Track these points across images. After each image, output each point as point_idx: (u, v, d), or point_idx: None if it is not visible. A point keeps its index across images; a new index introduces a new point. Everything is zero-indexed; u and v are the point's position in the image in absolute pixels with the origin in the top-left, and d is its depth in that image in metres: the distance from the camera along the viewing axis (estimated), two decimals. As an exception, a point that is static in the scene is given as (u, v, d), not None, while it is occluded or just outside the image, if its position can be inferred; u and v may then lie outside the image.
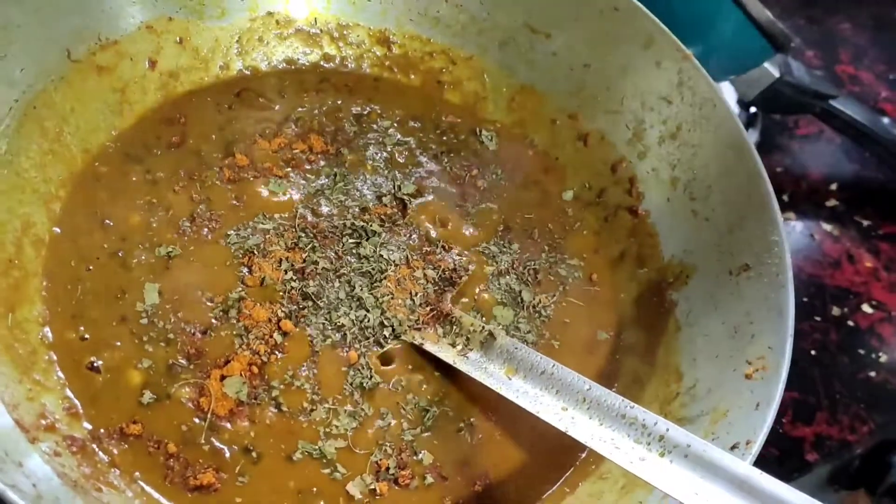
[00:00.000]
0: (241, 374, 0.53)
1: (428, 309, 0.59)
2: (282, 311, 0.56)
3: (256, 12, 0.69)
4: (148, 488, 0.48)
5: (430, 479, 0.53)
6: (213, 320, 0.55)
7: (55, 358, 0.51)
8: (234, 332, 0.54)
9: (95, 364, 0.52)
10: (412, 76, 0.73)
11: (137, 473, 0.48)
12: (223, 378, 0.53)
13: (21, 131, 0.55)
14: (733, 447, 0.48)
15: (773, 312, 0.53)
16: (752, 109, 0.94)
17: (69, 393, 0.50)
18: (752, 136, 0.92)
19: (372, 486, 0.52)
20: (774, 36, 0.77)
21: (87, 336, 0.53)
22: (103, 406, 0.50)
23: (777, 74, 0.84)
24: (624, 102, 0.67)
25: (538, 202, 0.69)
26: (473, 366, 0.55)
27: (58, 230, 0.56)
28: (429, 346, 0.56)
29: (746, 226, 0.58)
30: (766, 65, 0.84)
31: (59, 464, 0.44)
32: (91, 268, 0.55)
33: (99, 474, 0.46)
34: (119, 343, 0.53)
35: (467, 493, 0.53)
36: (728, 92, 0.91)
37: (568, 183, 0.70)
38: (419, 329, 0.58)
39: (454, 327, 0.58)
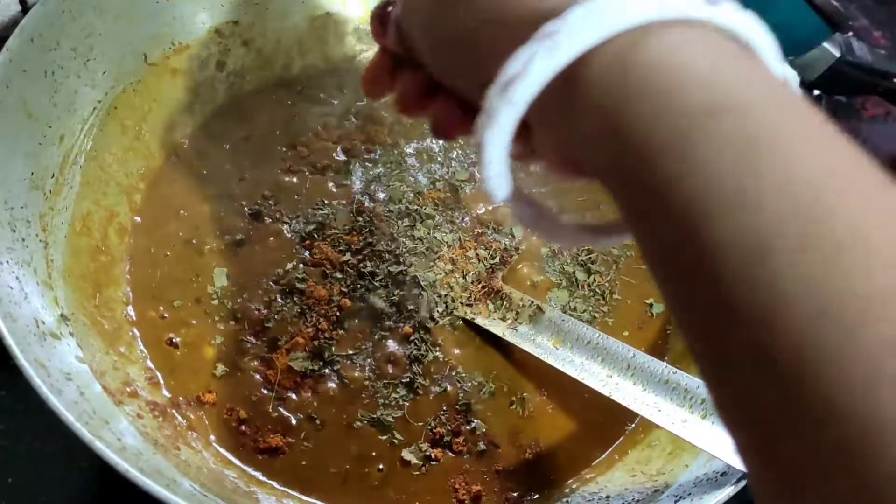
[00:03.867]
0: (304, 349, 0.57)
1: (479, 286, 0.61)
2: (341, 289, 0.59)
3: (316, 13, 0.73)
4: (222, 450, 0.52)
5: (482, 447, 0.55)
6: (278, 300, 0.59)
7: (138, 334, 0.56)
8: (297, 311, 0.58)
9: (174, 340, 0.56)
10: (466, 69, 0.76)
11: (212, 436, 0.53)
12: (288, 352, 0.57)
13: (104, 130, 0.60)
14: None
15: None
16: (816, 91, 0.93)
17: (150, 364, 0.55)
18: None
19: (427, 453, 0.55)
20: (830, 15, 0.76)
21: (165, 315, 0.57)
22: (181, 377, 0.55)
23: (837, 54, 0.83)
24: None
25: (591, 186, 0.70)
26: (522, 338, 0.57)
27: (138, 219, 0.61)
28: (480, 321, 0.59)
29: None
30: (826, 45, 0.83)
31: (142, 425, 0.48)
32: (168, 253, 0.60)
33: (178, 436, 0.51)
34: (194, 321, 0.57)
35: (518, 460, 0.56)
36: (789, 74, 0.90)
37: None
38: (471, 305, 0.60)
39: (504, 303, 0.60)
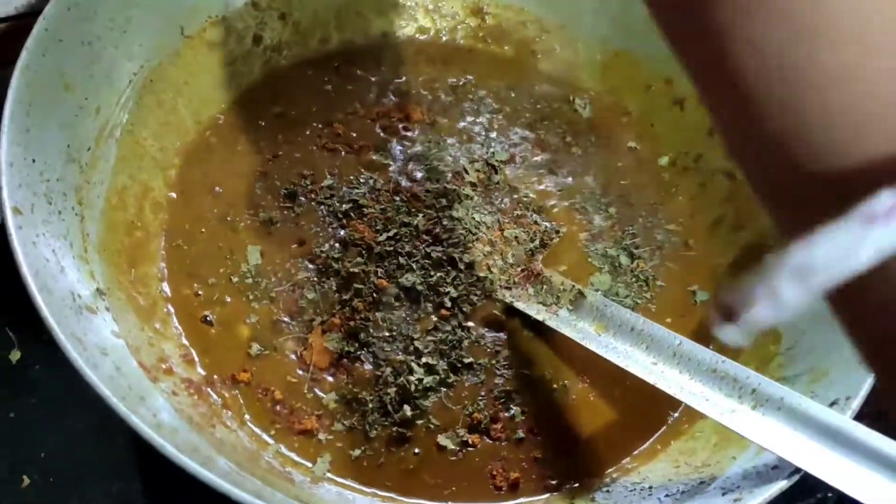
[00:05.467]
0: (340, 330, 0.56)
1: (519, 269, 0.60)
2: (378, 270, 0.58)
3: (353, -18, 0.71)
4: (257, 430, 0.51)
5: (520, 434, 0.54)
6: (313, 279, 0.58)
7: (172, 311, 0.55)
8: (333, 290, 0.57)
9: (209, 318, 0.55)
10: (505, 47, 0.74)
11: (247, 416, 0.52)
12: (324, 333, 0.55)
13: (140, 103, 0.59)
14: (832, 403, 0.47)
15: (878, 270, 0.52)
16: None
17: (185, 342, 0.54)
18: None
19: (464, 438, 0.53)
20: None
21: (200, 293, 0.56)
22: (216, 355, 0.54)
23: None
24: (721, 64, 0.66)
25: (634, 168, 0.69)
26: (563, 322, 0.56)
27: (173, 195, 0.60)
28: (519, 305, 0.57)
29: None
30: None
31: (177, 402, 0.47)
32: (203, 230, 0.59)
33: (213, 414, 0.50)
34: (229, 299, 0.56)
35: (557, 448, 0.54)
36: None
37: (663, 149, 0.69)
38: (510, 289, 0.59)
39: (544, 287, 0.58)
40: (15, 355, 0.58)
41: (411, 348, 0.56)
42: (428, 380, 0.55)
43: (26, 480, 0.54)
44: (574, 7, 0.71)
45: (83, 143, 0.54)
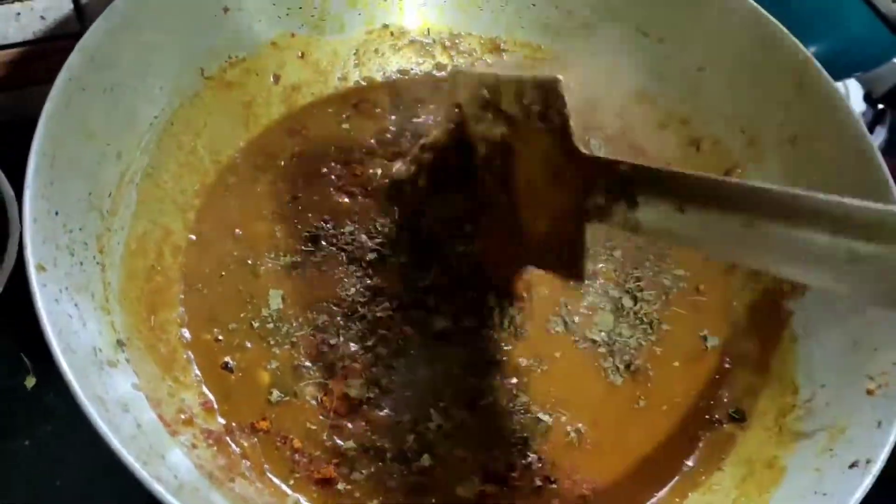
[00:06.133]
0: (362, 376, 0.56)
1: None
2: (403, 317, 0.58)
3: (373, 25, 0.71)
4: (276, 480, 0.51)
5: (537, 482, 0.54)
6: (338, 323, 0.58)
7: (192, 357, 0.55)
8: (357, 336, 0.57)
9: (229, 364, 0.56)
10: (523, 82, 0.74)
11: (266, 466, 0.52)
12: (346, 379, 0.56)
13: (160, 146, 0.59)
14: (852, 465, 0.47)
15: (898, 326, 0.52)
16: (881, 106, 0.90)
17: (205, 389, 0.54)
18: (879, 135, 0.88)
19: (481, 488, 0.53)
20: (902, 31, 0.74)
21: (220, 338, 0.56)
22: (236, 402, 0.54)
23: (906, 70, 0.80)
24: (739, 107, 0.66)
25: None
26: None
27: (193, 237, 0.60)
28: None
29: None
30: (896, 61, 0.80)
31: (197, 456, 0.48)
32: (223, 274, 0.59)
33: (232, 465, 0.50)
34: (249, 345, 0.56)
35: (574, 497, 0.54)
36: (854, 88, 0.88)
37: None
38: None
39: None
40: (30, 382, 0.59)
41: (433, 392, 0.56)
42: (446, 424, 0.55)
43: (42, 509, 0.54)
44: (592, 45, 0.71)
45: (104, 190, 0.54)
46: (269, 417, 0.54)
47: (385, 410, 0.55)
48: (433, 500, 0.53)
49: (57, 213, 0.48)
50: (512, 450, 0.55)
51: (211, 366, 0.55)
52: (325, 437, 0.54)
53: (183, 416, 0.50)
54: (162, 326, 0.55)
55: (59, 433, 0.58)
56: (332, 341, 0.57)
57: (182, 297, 0.57)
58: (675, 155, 0.70)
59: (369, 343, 0.57)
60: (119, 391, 0.46)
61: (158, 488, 0.39)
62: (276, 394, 0.55)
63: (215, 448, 0.50)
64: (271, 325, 0.57)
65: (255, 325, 0.57)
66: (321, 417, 0.54)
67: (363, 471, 0.53)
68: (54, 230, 0.48)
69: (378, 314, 0.58)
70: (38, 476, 0.56)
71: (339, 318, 0.58)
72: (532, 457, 0.55)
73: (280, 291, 0.59)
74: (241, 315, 0.58)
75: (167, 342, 0.54)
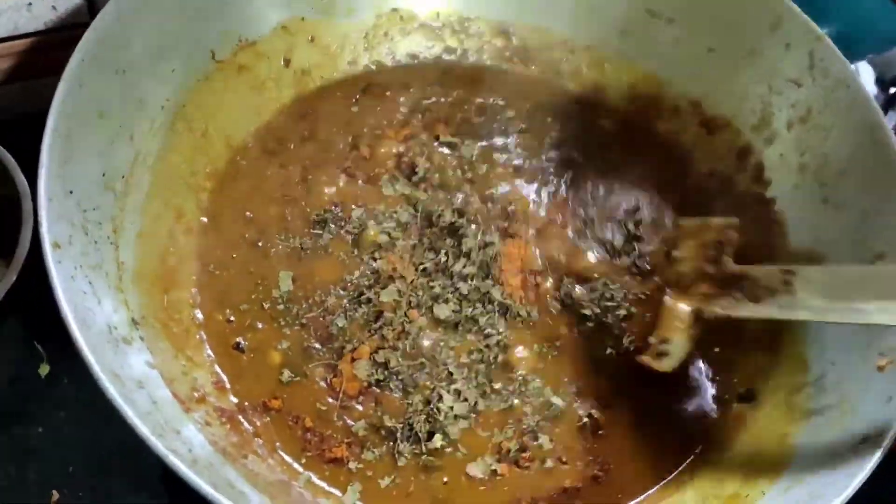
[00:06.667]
0: (369, 358, 0.56)
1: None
2: (409, 300, 0.58)
3: (382, 9, 0.71)
4: (287, 458, 0.52)
5: (549, 464, 0.54)
6: (344, 306, 0.58)
7: (205, 337, 0.56)
8: (363, 319, 0.58)
9: (241, 344, 0.56)
10: (532, 67, 0.74)
11: (278, 444, 0.52)
12: (354, 360, 0.56)
13: (172, 128, 0.60)
14: (863, 440, 0.47)
15: (910, 303, 0.51)
16: (893, 90, 0.89)
17: (217, 369, 0.54)
18: (891, 119, 0.87)
19: (493, 467, 0.54)
20: (916, 13, 0.73)
21: (232, 318, 0.57)
22: (247, 382, 0.55)
23: (919, 53, 0.79)
24: (750, 87, 0.66)
25: (661, 189, 0.69)
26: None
27: (205, 220, 0.61)
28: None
29: (883, 212, 0.56)
30: (909, 43, 0.79)
31: (210, 432, 0.48)
32: (234, 255, 0.60)
33: (244, 443, 0.51)
34: (261, 325, 0.57)
35: (585, 478, 0.54)
36: (866, 71, 0.87)
37: (691, 170, 0.69)
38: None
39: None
40: (44, 369, 0.59)
41: (443, 375, 0.56)
42: (458, 406, 0.55)
43: (55, 495, 0.55)
44: (601, 28, 0.71)
45: (118, 171, 0.54)
46: (281, 397, 0.54)
47: (395, 392, 0.55)
48: (444, 479, 0.53)
49: (71, 192, 0.49)
50: (524, 431, 0.55)
51: (223, 346, 0.56)
52: (335, 418, 0.54)
53: (196, 395, 0.51)
54: (175, 306, 0.55)
55: (72, 420, 0.58)
56: (341, 323, 0.57)
57: (194, 277, 0.58)
58: (687, 136, 0.69)
59: (375, 326, 0.57)
60: (134, 368, 0.46)
61: (174, 461, 0.39)
62: (287, 374, 0.55)
63: (228, 426, 0.51)
64: (282, 307, 0.58)
65: (266, 306, 0.58)
66: (330, 400, 0.55)
67: (374, 450, 0.53)
68: (69, 209, 0.48)
69: (383, 298, 0.58)
70: (52, 463, 0.56)
71: (346, 301, 0.58)
72: (543, 437, 0.55)
73: (290, 273, 0.59)
74: (253, 296, 0.58)
75: (180, 322, 0.55)
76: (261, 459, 0.51)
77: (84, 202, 0.50)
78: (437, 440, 0.54)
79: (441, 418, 0.54)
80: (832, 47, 0.61)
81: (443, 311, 0.58)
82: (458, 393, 0.56)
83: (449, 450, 0.54)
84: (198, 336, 0.55)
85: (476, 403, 0.56)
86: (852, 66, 0.81)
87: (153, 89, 0.58)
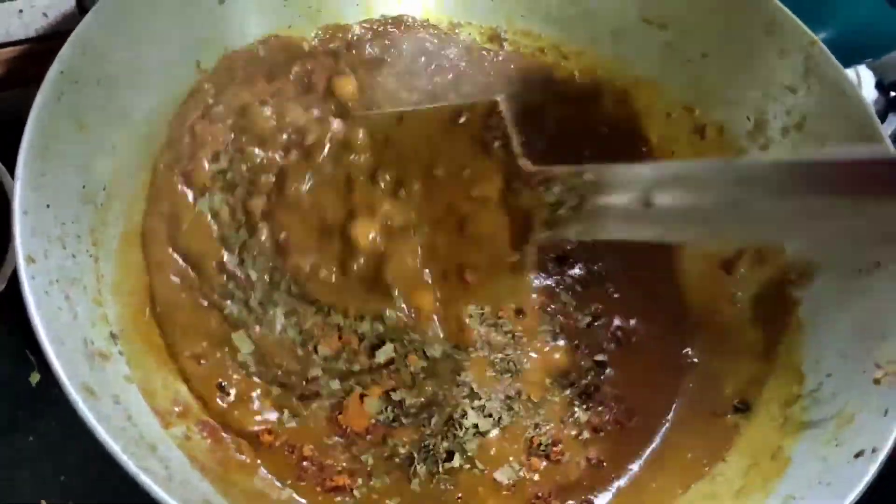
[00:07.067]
0: (379, 398, 0.55)
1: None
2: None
3: (371, 15, 0.70)
4: (278, 483, 0.51)
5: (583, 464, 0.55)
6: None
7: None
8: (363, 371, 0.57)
9: (223, 384, 0.54)
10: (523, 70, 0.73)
11: (269, 473, 0.51)
12: (362, 398, 0.55)
13: (155, 138, 0.59)
14: (858, 454, 0.46)
15: (907, 313, 0.50)
16: (893, 93, 0.88)
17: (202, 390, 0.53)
18: (892, 123, 0.86)
19: (520, 472, 0.53)
20: (913, 17, 0.72)
21: (203, 362, 0.54)
22: (235, 419, 0.53)
23: (917, 57, 0.78)
24: (744, 93, 0.65)
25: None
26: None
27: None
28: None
29: (878, 221, 0.55)
30: (907, 47, 0.78)
31: (190, 448, 0.47)
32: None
33: (228, 460, 0.50)
34: (236, 377, 0.55)
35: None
36: (865, 75, 0.86)
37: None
38: None
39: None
40: (35, 377, 0.59)
41: (464, 393, 0.56)
42: (483, 423, 0.54)
43: (45, 504, 0.54)
44: (593, 33, 0.70)
45: (99, 184, 0.53)
46: (275, 432, 0.53)
47: (409, 421, 0.55)
48: (459, 496, 0.52)
49: (49, 206, 0.48)
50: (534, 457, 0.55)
51: (205, 385, 0.53)
52: (339, 451, 0.53)
53: (177, 409, 0.50)
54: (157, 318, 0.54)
55: (63, 429, 0.57)
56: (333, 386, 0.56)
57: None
58: (680, 143, 0.68)
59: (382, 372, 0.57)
60: (111, 383, 0.46)
61: (145, 479, 0.38)
62: (283, 415, 0.54)
63: (210, 441, 0.50)
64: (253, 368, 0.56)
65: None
66: (337, 438, 0.54)
67: (386, 477, 0.52)
68: (45, 222, 0.47)
69: (379, 359, 0.57)
70: (43, 472, 0.56)
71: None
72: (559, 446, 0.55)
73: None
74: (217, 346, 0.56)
75: (162, 335, 0.54)
76: (246, 476, 0.50)
77: (62, 215, 0.49)
78: (457, 460, 0.53)
79: (461, 434, 0.54)
80: (827, 53, 0.60)
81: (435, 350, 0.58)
82: (482, 409, 0.55)
83: (467, 466, 0.53)
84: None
85: (500, 418, 0.55)
86: (851, 71, 0.80)
87: (135, 99, 0.57)
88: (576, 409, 0.57)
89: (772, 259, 0.61)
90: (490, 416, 0.55)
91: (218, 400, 0.52)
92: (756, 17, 0.63)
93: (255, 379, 0.54)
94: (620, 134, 0.70)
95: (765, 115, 0.64)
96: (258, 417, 0.53)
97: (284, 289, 0.56)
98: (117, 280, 0.53)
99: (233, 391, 0.54)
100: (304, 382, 0.55)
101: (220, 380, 0.54)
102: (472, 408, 0.55)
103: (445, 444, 0.53)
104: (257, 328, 0.56)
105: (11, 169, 0.53)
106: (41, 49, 0.65)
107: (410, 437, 0.54)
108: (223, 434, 0.52)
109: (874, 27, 0.76)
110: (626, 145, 0.70)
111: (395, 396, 0.55)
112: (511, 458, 0.54)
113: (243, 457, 0.51)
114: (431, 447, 0.53)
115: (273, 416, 0.54)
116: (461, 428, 0.54)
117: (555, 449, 0.55)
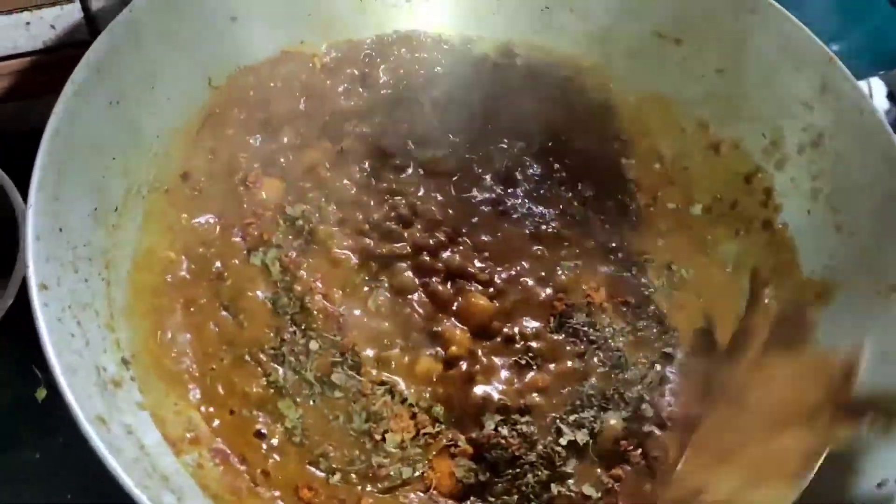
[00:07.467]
0: (468, 457, 0.54)
1: None
2: None
3: (383, 30, 0.70)
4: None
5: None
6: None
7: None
8: None
9: (262, 432, 0.52)
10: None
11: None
12: (453, 457, 0.54)
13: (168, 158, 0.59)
14: (880, 484, 0.45)
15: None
16: (906, 105, 0.88)
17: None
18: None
19: (606, 483, 0.53)
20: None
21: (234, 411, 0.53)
22: (273, 469, 0.51)
23: (928, 69, 0.78)
24: (760, 109, 0.64)
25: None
26: None
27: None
28: None
29: (900, 241, 0.54)
30: (919, 59, 0.78)
31: (202, 476, 0.47)
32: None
33: (240, 488, 0.49)
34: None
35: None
36: (877, 86, 0.85)
37: (696, 194, 0.68)
38: None
39: None
40: (41, 394, 0.58)
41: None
42: (580, 435, 0.55)
43: (51, 522, 0.53)
44: (607, 48, 0.70)
45: (110, 205, 0.53)
46: (317, 489, 0.51)
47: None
48: None
49: (61, 230, 0.48)
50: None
51: (239, 435, 0.52)
52: None
53: (189, 435, 0.49)
54: (170, 342, 0.54)
55: (69, 445, 0.57)
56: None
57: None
58: (695, 159, 0.68)
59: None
60: (123, 411, 0.45)
61: (158, 514, 0.38)
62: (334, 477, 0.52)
63: (223, 468, 0.49)
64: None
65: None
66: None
67: None
68: (58, 247, 0.47)
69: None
70: (49, 488, 0.55)
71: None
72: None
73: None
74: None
75: (176, 359, 0.53)
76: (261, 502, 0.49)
77: (74, 239, 0.49)
78: (554, 488, 0.53)
79: (556, 462, 0.54)
80: (843, 69, 0.59)
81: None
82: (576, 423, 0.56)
83: (562, 490, 0.53)
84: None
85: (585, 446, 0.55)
86: (864, 83, 0.79)
87: (148, 119, 0.57)
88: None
89: (788, 279, 0.60)
90: (583, 427, 0.56)
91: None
92: (771, 33, 0.62)
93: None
94: (633, 149, 0.70)
95: (780, 132, 0.63)
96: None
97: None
98: (129, 303, 0.52)
99: (270, 436, 0.52)
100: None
101: (258, 427, 0.52)
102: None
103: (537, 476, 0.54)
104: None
105: (21, 179, 0.53)
106: (49, 60, 0.65)
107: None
108: (234, 461, 0.51)
109: (887, 39, 0.76)
110: (639, 160, 0.69)
111: (490, 457, 0.55)
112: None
113: (259, 488, 0.50)
114: (523, 487, 0.53)
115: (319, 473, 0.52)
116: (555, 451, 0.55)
117: None
